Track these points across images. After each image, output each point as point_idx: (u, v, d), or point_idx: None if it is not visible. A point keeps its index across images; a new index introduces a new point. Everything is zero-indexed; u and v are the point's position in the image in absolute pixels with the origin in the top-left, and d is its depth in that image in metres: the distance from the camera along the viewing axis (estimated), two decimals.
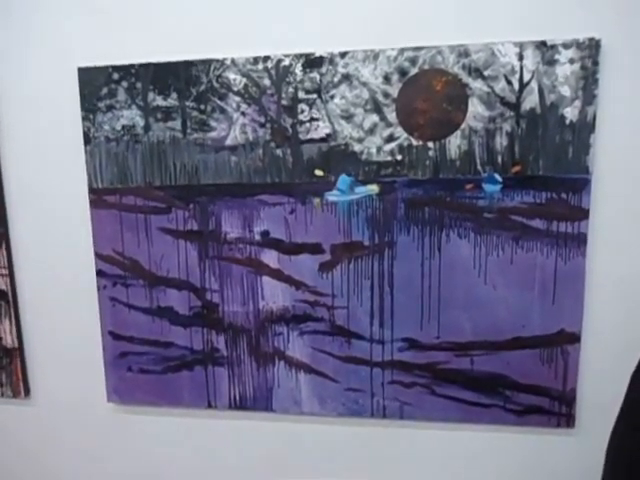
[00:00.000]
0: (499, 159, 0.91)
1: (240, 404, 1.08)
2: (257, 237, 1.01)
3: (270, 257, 1.02)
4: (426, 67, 0.90)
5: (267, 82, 0.96)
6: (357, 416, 1.05)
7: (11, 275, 1.14)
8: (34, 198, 1.10)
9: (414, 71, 0.91)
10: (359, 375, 1.03)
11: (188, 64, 0.98)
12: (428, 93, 0.91)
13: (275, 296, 1.03)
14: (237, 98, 0.98)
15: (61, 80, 1.04)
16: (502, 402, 0.98)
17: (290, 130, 0.97)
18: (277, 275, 1.02)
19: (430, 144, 0.93)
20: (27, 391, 1.18)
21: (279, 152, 0.98)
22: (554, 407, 0.97)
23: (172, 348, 1.08)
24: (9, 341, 1.16)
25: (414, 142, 0.93)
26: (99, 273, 1.09)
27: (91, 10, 1.01)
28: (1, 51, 1.06)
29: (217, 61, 0.97)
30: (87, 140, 1.04)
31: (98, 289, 1.09)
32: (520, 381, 0.97)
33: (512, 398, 0.98)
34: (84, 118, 1.04)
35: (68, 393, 1.17)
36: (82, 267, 1.10)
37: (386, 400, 1.03)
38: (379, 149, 0.94)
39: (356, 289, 1.00)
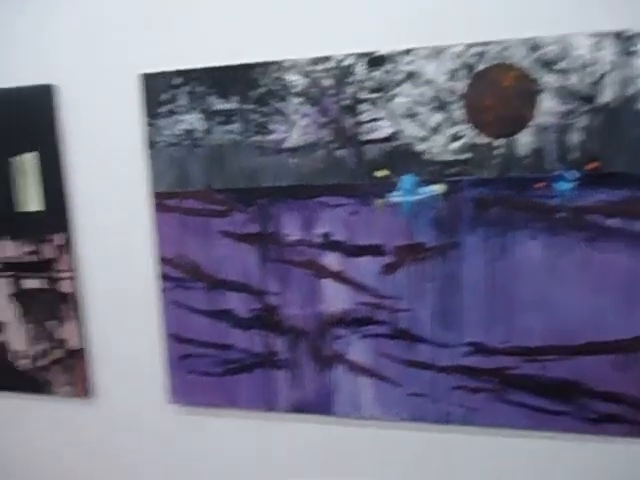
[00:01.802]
0: (572, 156, 0.91)
1: (300, 407, 1.12)
2: (317, 239, 1.05)
3: (330, 259, 1.05)
4: (493, 62, 0.91)
5: (328, 82, 1.00)
6: (420, 421, 1.07)
7: (76, 278, 1.22)
8: (98, 203, 1.17)
9: (481, 67, 0.92)
10: (422, 380, 1.05)
11: (247, 67, 1.03)
12: (496, 89, 0.92)
13: (335, 299, 1.06)
14: (297, 100, 1.02)
15: (124, 86, 1.11)
16: (576, 409, 0.98)
17: (351, 130, 1.00)
18: (338, 278, 1.05)
19: (498, 142, 0.94)
20: (90, 391, 1.26)
21: (340, 153, 1.01)
22: (634, 416, 0.96)
23: (232, 351, 1.14)
24: (74, 342, 1.25)
25: (481, 140, 0.94)
26: (162, 276, 1.15)
27: (152, 17, 1.07)
28: (65, 58, 1.13)
29: (276, 63, 1.01)
30: (150, 145, 1.11)
31: (161, 291, 1.16)
32: (595, 388, 0.97)
33: (587, 405, 0.98)
34: (147, 123, 1.10)
35: (129, 394, 1.24)
36: (144, 270, 1.17)
37: (451, 406, 1.04)
38: (444, 148, 0.96)
39: (419, 292, 1.02)
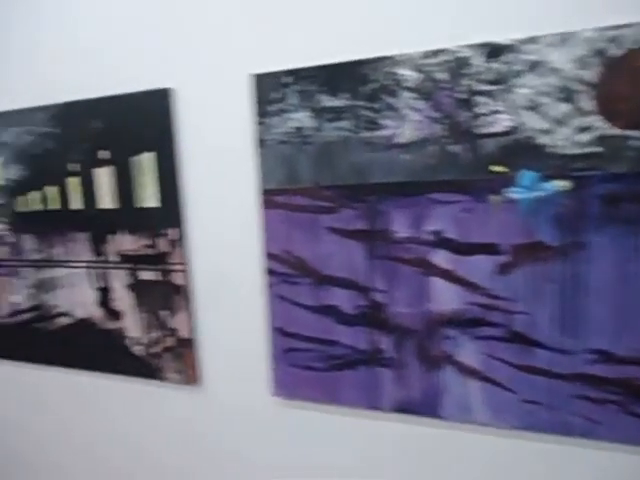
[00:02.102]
0: None
1: (405, 408, 1.11)
2: (427, 237, 1.03)
3: (441, 257, 1.03)
4: (632, 47, 0.85)
5: (442, 76, 0.98)
6: (535, 431, 1.02)
7: (188, 271, 1.29)
8: (209, 199, 1.24)
9: (617, 52, 0.86)
10: (538, 387, 1.00)
11: (358, 63, 1.03)
12: (633, 76, 0.85)
13: (445, 298, 1.04)
14: (409, 94, 1.01)
15: (235, 87, 1.16)
16: None
17: (466, 124, 0.97)
18: (448, 276, 1.03)
19: (634, 133, 0.87)
20: (198, 379, 1.33)
21: (453, 148, 0.99)
22: None
23: (336, 346, 1.15)
24: (184, 332, 1.32)
25: (613, 131, 0.88)
26: (268, 271, 1.19)
27: (260, 16, 1.11)
28: (181, 61, 1.20)
29: (388, 58, 1.01)
30: (259, 143, 1.15)
31: (266, 286, 1.20)
32: None
33: None
34: (257, 122, 1.14)
35: (235, 383, 1.29)
36: (252, 265, 1.21)
37: (569, 416, 0.98)
38: (570, 141, 0.91)
39: (538, 293, 0.97)
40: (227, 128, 1.18)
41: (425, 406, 1.08)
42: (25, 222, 1.47)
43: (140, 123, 1.26)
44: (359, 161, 1.05)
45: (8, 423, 1.68)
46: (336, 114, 1.06)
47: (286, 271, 1.16)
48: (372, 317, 1.10)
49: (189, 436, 1.38)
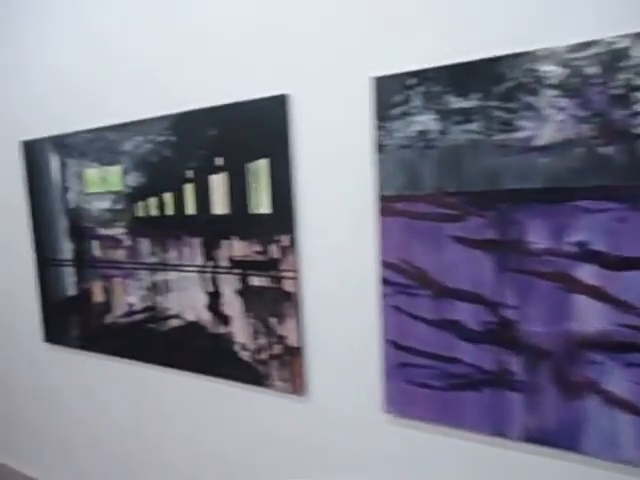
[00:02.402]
0: None
1: (537, 438, 1.00)
2: (570, 249, 0.93)
3: (587, 272, 0.92)
4: None
5: (593, 70, 0.88)
6: None
7: (299, 278, 1.28)
8: (323, 205, 1.21)
9: None
10: None
11: (492, 61, 0.96)
12: None
13: (590, 318, 0.93)
14: (551, 92, 0.92)
15: (354, 91, 1.13)
16: None
17: (622, 123, 0.87)
18: (595, 293, 0.92)
19: None
20: (304, 389, 1.31)
21: (605, 150, 0.88)
22: None
23: (458, 364, 1.07)
24: (293, 340, 1.31)
25: None
26: (383, 281, 1.14)
27: (381, 17, 1.07)
28: (293, 65, 1.20)
29: (528, 54, 0.93)
30: (378, 148, 1.11)
31: (380, 296, 1.15)
32: None
33: None
34: (376, 127, 1.10)
35: (342, 396, 1.25)
36: (366, 273, 1.17)
37: None
38: None
39: None
40: (344, 133, 1.15)
41: (563, 438, 0.97)
42: (142, 227, 1.54)
43: (255, 130, 1.27)
44: (490, 165, 0.98)
45: (118, 420, 1.77)
46: (465, 116, 1.00)
47: (403, 281, 1.10)
48: (500, 335, 1.01)
49: (291, 446, 1.36)
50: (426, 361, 1.10)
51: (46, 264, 1.84)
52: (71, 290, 1.78)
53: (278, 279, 1.30)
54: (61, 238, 1.77)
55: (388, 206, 1.11)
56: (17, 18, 1.76)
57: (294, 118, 1.22)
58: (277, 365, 1.33)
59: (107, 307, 1.69)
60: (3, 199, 1.95)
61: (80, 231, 1.71)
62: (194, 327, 1.48)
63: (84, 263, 1.72)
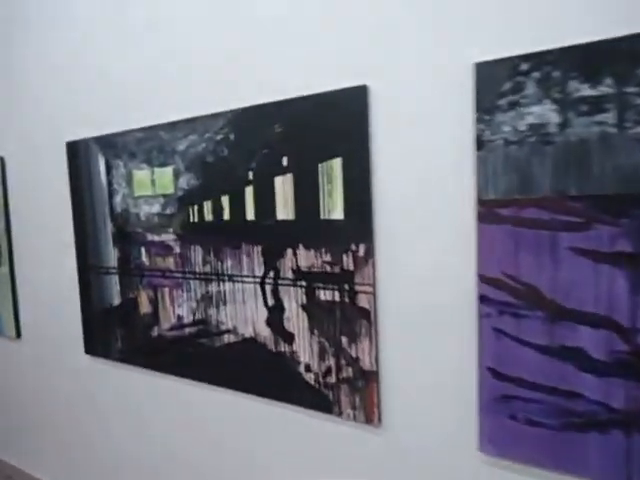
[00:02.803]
0: None
1: None
2: None
3: None
4: None
5: None
6: None
7: (376, 293, 1.13)
8: (407, 212, 1.06)
9: None
10: None
11: (631, 40, 0.80)
12: None
13: None
14: None
15: (449, 80, 0.98)
16: None
17: None
18: None
19: None
20: (378, 419, 1.15)
21: None
22: None
23: (577, 400, 0.90)
24: (367, 363, 1.15)
25: None
26: (482, 298, 0.98)
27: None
28: (372, 52, 1.05)
29: None
30: (479, 145, 0.95)
31: (479, 317, 0.99)
32: None
33: None
34: (478, 119, 0.95)
35: (426, 430, 1.09)
36: (459, 289, 1.02)
37: None
38: None
39: None
40: (436, 128, 1.01)
41: None
42: (195, 233, 1.42)
43: (328, 126, 1.13)
44: (627, 164, 0.81)
45: (160, 439, 1.64)
46: (594, 105, 0.84)
47: (508, 300, 0.94)
48: (634, 367, 0.84)
49: (363, 478, 1.20)
50: (536, 394, 0.94)
51: (89, 271, 1.74)
52: (115, 300, 1.67)
53: (351, 293, 1.15)
54: (106, 244, 1.67)
55: (490, 212, 0.95)
56: (63, 16, 1.67)
57: (374, 112, 1.08)
58: (347, 390, 1.18)
59: (153, 319, 1.57)
60: (48, 203, 1.86)
61: (126, 237, 1.60)
62: (251, 344, 1.35)
63: (130, 271, 1.61)
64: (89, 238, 1.73)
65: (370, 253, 1.12)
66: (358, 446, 1.20)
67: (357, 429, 1.20)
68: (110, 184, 1.63)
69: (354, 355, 1.17)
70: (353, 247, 1.14)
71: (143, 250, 1.57)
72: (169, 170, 1.46)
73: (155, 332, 1.58)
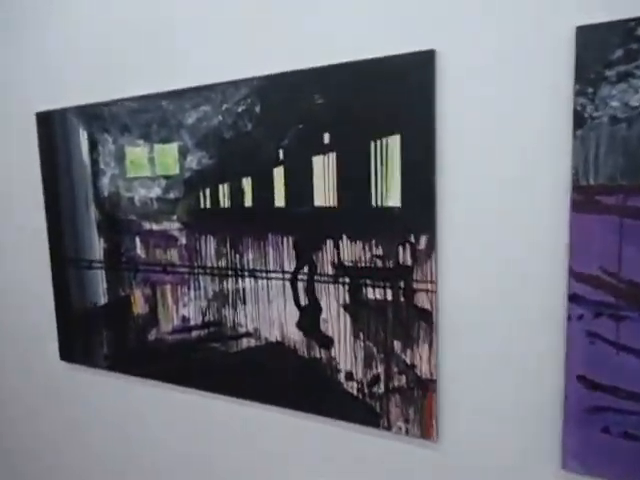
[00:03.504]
0: None
1: None
2: None
3: None
4: None
5: None
6: None
7: (437, 292, 0.99)
8: (476, 199, 0.93)
9: None
10: None
11: None
12: None
13: None
14: None
15: (543, 45, 0.85)
16: None
17: None
18: None
19: None
20: (435, 432, 1.03)
21: None
22: None
23: None
24: (425, 370, 1.02)
25: None
26: (573, 298, 0.87)
27: None
28: (438, 11, 0.90)
29: None
30: (579, 122, 0.82)
31: (568, 319, 0.87)
32: None
33: None
34: (578, 92, 0.82)
35: (495, 444, 0.98)
36: (543, 288, 0.90)
37: None
38: None
39: None
40: (519, 102, 0.87)
41: None
42: (206, 221, 1.22)
43: (384, 98, 0.97)
44: None
45: (164, 458, 1.44)
46: None
47: (606, 299, 0.83)
48: None
49: None
50: (635, 405, 0.83)
51: (66, 265, 1.49)
52: (100, 298, 1.44)
53: (408, 292, 1.01)
54: (89, 233, 1.43)
55: (589, 200, 0.83)
56: None
57: (441, 82, 0.93)
58: (399, 401, 1.04)
59: (151, 320, 1.36)
60: (15, 184, 1.57)
61: (116, 225, 1.37)
62: (278, 349, 1.18)
63: (120, 265, 1.38)
64: (66, 226, 1.48)
65: (432, 246, 0.97)
66: (411, 463, 1.07)
67: (410, 444, 1.06)
68: (94, 163, 1.39)
69: (409, 361, 1.03)
70: (412, 239, 0.99)
71: (138, 241, 1.35)
72: (173, 147, 1.25)
73: (153, 335, 1.37)
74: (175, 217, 1.28)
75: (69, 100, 1.42)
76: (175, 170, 1.26)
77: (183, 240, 1.28)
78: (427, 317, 1.01)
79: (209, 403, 1.32)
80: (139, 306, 1.39)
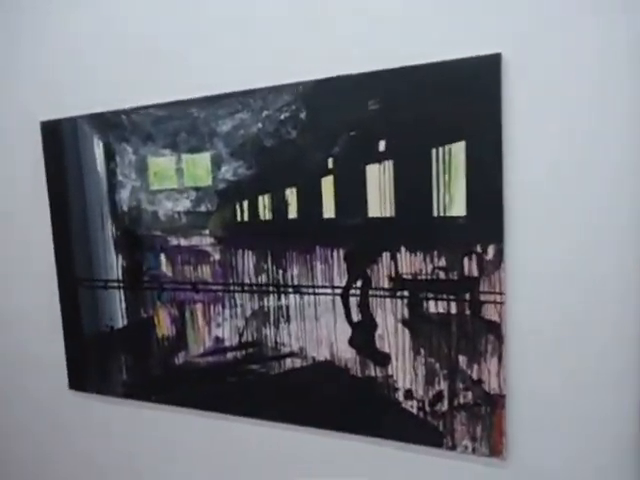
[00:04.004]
0: None
1: None
2: None
3: None
4: None
5: None
6: None
7: (505, 303, 0.96)
8: (544, 206, 0.91)
9: None
10: None
11: None
12: None
13: None
14: None
15: (620, 47, 0.83)
16: None
17: None
18: None
19: None
20: (506, 450, 0.99)
21: None
22: None
23: None
24: (493, 386, 0.99)
25: None
26: None
27: None
28: (505, 14, 0.88)
29: None
30: None
31: None
32: None
33: None
34: None
35: (568, 464, 0.95)
36: (623, 300, 0.88)
37: None
38: None
39: None
40: (595, 108, 0.85)
41: None
42: (243, 235, 1.16)
43: (446, 103, 0.95)
44: None
45: None
46: None
47: None
48: None
49: None
50: None
51: (76, 287, 1.39)
52: (118, 321, 1.34)
53: (474, 304, 0.97)
54: (104, 251, 1.33)
55: None
56: None
57: (508, 87, 0.90)
58: (465, 418, 1.01)
59: (179, 343, 1.28)
60: (18, 200, 1.46)
61: (137, 241, 1.28)
62: (327, 368, 1.12)
63: (142, 284, 1.29)
64: (77, 244, 1.38)
65: (501, 255, 0.94)
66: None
67: (476, 463, 1.03)
68: (112, 175, 1.30)
69: (475, 377, 0.99)
70: (478, 249, 0.96)
71: (163, 257, 1.26)
72: (205, 157, 1.18)
73: (181, 359, 1.28)
74: (207, 231, 1.21)
75: (78, 108, 1.33)
76: (207, 181, 1.19)
77: (217, 256, 1.20)
78: (496, 329, 0.97)
79: (247, 430, 1.24)
80: (164, 328, 1.30)
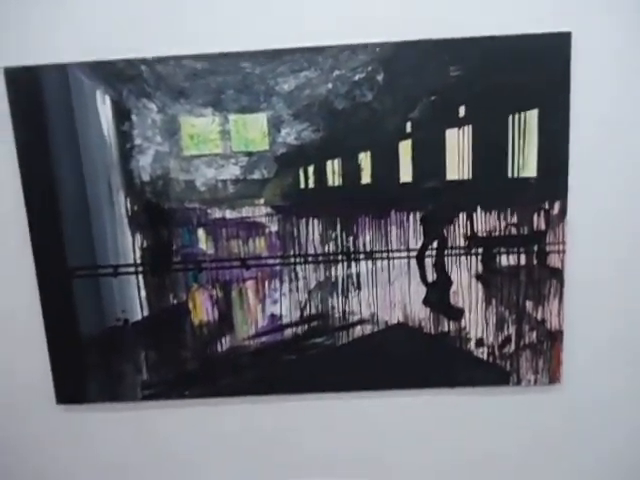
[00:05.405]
0: None
1: None
2: None
3: None
4: None
5: None
6: None
7: (566, 252, 1.16)
8: (600, 167, 1.12)
9: None
10: None
11: None
12: None
13: None
14: None
15: None
16: None
17: None
18: None
19: None
20: (560, 378, 1.21)
21: None
22: None
23: None
24: (554, 324, 1.18)
25: None
26: None
27: None
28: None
29: None
30: None
31: None
32: None
33: None
34: None
35: (614, 383, 1.20)
36: None
37: None
38: None
39: None
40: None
41: None
42: (308, 203, 1.14)
43: (523, 74, 1.08)
44: None
45: None
46: None
47: None
48: None
49: (545, 443, 1.23)
50: None
51: (67, 279, 1.17)
52: (136, 312, 1.18)
53: (542, 254, 1.15)
54: (113, 230, 1.15)
55: None
56: None
57: (576, 63, 1.07)
58: (529, 356, 1.18)
59: (222, 327, 1.19)
60: None
61: (164, 216, 1.14)
62: (399, 331, 1.18)
63: (170, 266, 1.16)
64: (68, 226, 1.15)
65: (564, 210, 1.12)
66: (539, 409, 1.21)
67: (538, 393, 1.21)
68: (125, 138, 1.12)
69: (540, 318, 1.17)
70: (546, 206, 1.12)
71: (202, 233, 1.15)
72: (260, 118, 1.10)
73: (224, 345, 1.19)
74: (262, 201, 1.13)
75: (69, 53, 1.08)
76: (263, 145, 1.11)
77: (273, 227, 1.14)
78: (558, 275, 1.15)
79: (310, 404, 1.22)
80: (202, 313, 1.18)
